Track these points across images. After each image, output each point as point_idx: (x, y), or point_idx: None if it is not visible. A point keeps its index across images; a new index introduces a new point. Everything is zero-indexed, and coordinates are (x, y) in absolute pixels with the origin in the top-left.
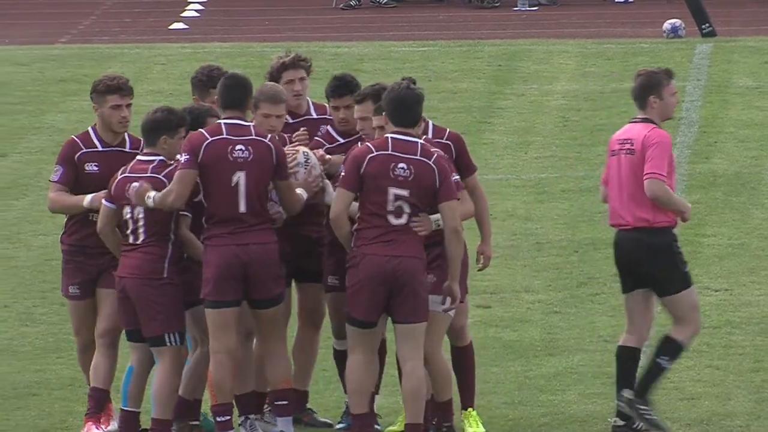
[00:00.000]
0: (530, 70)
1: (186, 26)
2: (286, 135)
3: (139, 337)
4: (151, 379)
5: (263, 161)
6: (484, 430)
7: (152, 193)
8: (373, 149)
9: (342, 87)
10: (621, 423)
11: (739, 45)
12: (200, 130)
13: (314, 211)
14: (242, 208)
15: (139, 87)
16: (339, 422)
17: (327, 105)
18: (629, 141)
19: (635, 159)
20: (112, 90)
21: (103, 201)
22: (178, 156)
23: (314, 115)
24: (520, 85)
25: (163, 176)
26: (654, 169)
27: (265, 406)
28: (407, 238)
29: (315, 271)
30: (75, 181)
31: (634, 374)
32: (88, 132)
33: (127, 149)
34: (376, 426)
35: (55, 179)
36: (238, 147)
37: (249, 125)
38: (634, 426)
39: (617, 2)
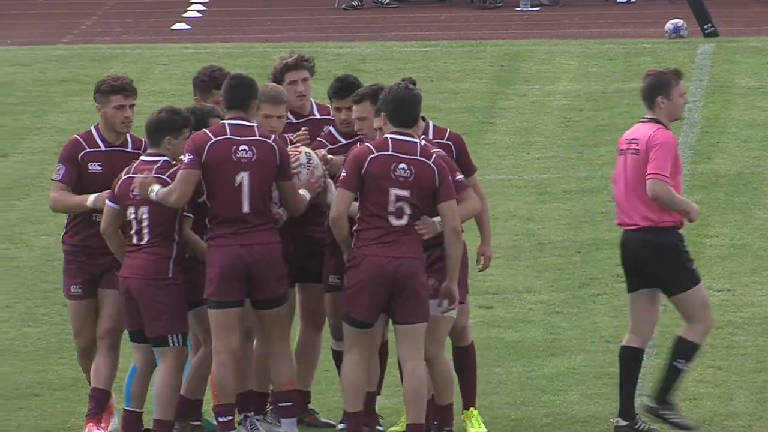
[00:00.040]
0: (532, 70)
1: (188, 26)
2: (288, 135)
3: (142, 337)
4: (153, 379)
5: (267, 162)
6: (485, 430)
7: (156, 187)
8: (373, 150)
9: (344, 88)
10: (623, 423)
11: (742, 45)
12: (204, 130)
13: (317, 211)
14: (246, 208)
15: (141, 87)
16: (341, 422)
17: (330, 106)
18: (635, 141)
19: (640, 159)
20: (116, 90)
21: (107, 201)
22: (182, 156)
23: (317, 116)
24: (522, 85)
25: (167, 177)
26: (656, 170)
27: (268, 404)
28: (408, 239)
29: (317, 272)
30: (78, 180)
31: (637, 375)
32: (90, 132)
33: (129, 149)
34: (378, 427)
35: (58, 178)
36: (242, 147)
37: (253, 126)
38: (637, 426)
39: (619, 2)
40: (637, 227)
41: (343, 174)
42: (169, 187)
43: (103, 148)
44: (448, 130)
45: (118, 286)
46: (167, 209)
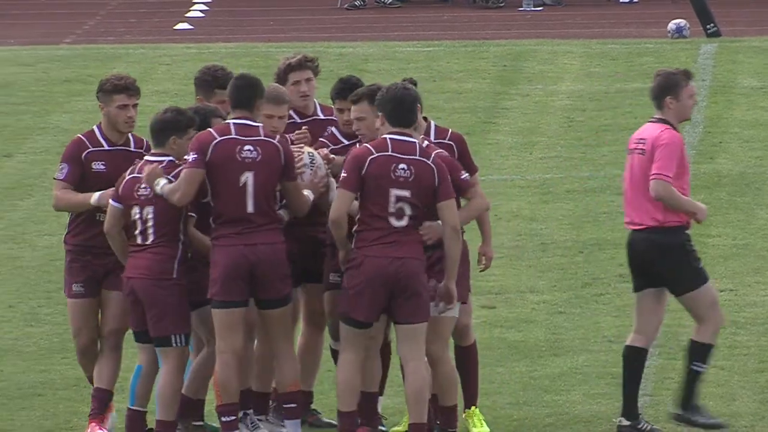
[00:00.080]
0: (535, 70)
1: (191, 26)
2: (289, 136)
3: (148, 337)
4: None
5: (271, 162)
6: (487, 429)
7: (163, 181)
8: (373, 151)
9: (347, 90)
10: (626, 423)
11: (744, 45)
12: (209, 129)
13: (320, 211)
14: (250, 208)
15: (144, 87)
16: None
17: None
18: (642, 141)
19: (645, 159)
20: (120, 89)
21: (111, 201)
22: (186, 156)
23: (321, 116)
24: (524, 85)
25: (172, 177)
26: (660, 170)
27: (270, 402)
28: (408, 239)
29: (320, 273)
30: (81, 179)
31: (641, 375)
32: (93, 131)
33: (132, 148)
34: (381, 427)
35: (61, 177)
36: (247, 147)
37: (258, 126)
38: (640, 426)
39: (622, 2)
40: (643, 227)
41: (343, 175)
42: (174, 184)
43: (107, 148)
44: (450, 131)
45: (122, 288)
46: (172, 209)
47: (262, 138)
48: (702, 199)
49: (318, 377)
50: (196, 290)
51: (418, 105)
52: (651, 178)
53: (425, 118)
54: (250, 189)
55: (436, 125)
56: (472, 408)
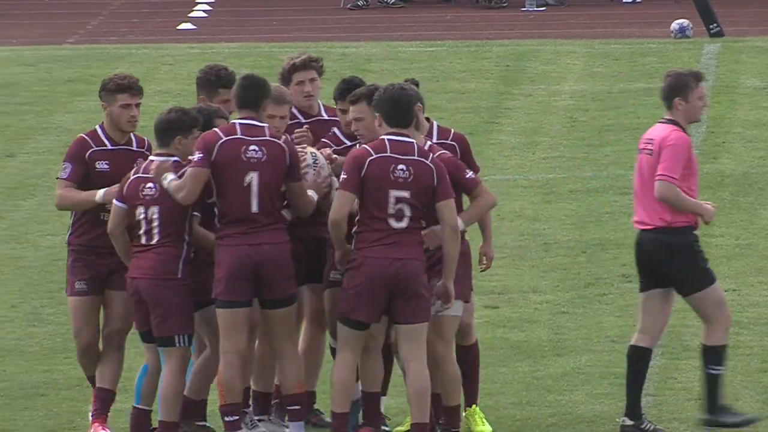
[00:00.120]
0: (538, 70)
1: (194, 26)
2: (290, 136)
3: (153, 337)
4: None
5: (276, 162)
6: (489, 427)
7: (171, 176)
8: (371, 152)
9: (349, 90)
10: (629, 423)
11: (747, 45)
12: (214, 129)
13: (320, 211)
14: (255, 208)
15: (147, 87)
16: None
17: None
18: (651, 141)
19: (652, 160)
20: (123, 89)
21: (114, 201)
22: (191, 156)
23: (325, 117)
24: (527, 85)
25: (177, 176)
26: (665, 171)
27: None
28: (408, 240)
29: (323, 273)
30: (84, 178)
31: (645, 374)
32: (96, 130)
33: (134, 148)
34: (384, 427)
35: (64, 176)
36: (252, 147)
37: (263, 126)
38: (643, 426)
39: (625, 2)
40: (652, 227)
41: (343, 176)
42: (179, 182)
43: (110, 147)
44: (453, 131)
45: (125, 288)
46: (178, 209)
47: (268, 138)
48: (705, 200)
49: (320, 377)
50: (200, 290)
51: (419, 105)
52: (656, 179)
53: (428, 119)
54: (254, 189)
55: (438, 125)
56: (473, 407)
